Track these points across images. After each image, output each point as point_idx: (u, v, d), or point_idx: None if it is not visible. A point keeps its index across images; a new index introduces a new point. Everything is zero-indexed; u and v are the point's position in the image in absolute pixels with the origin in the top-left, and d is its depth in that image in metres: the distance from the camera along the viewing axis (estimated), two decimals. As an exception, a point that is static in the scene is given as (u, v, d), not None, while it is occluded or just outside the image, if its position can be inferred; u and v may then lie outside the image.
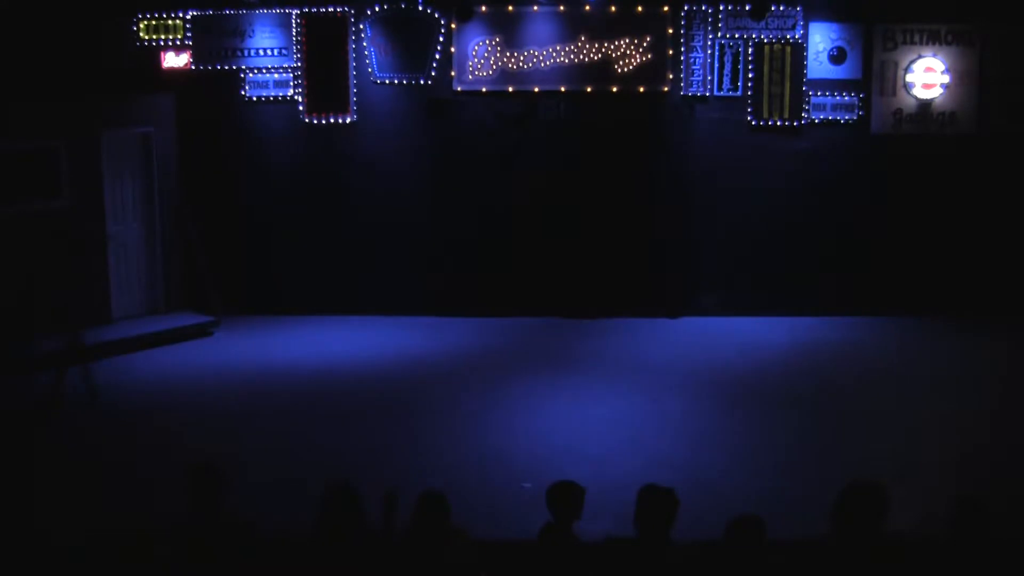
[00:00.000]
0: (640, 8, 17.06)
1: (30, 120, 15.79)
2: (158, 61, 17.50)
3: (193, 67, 17.47)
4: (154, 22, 17.42)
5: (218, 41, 17.42)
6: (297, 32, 17.36)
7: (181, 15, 17.40)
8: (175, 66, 17.47)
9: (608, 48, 17.14)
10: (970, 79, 17.12)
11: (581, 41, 17.14)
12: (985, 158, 17.03)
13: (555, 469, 11.17)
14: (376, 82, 17.43)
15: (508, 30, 17.20)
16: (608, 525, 7.11)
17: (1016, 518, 7.09)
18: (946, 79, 17.06)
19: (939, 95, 17.11)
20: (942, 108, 17.15)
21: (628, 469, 10.87)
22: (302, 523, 7.20)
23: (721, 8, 17.05)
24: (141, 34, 17.40)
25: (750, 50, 17.14)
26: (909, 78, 17.11)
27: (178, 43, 17.44)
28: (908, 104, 17.16)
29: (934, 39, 17.09)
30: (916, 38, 17.11)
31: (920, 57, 17.07)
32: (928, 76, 17.08)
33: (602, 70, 17.17)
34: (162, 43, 17.44)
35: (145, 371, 15.17)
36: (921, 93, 17.10)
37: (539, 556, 7.21)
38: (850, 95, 17.16)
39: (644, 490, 6.86)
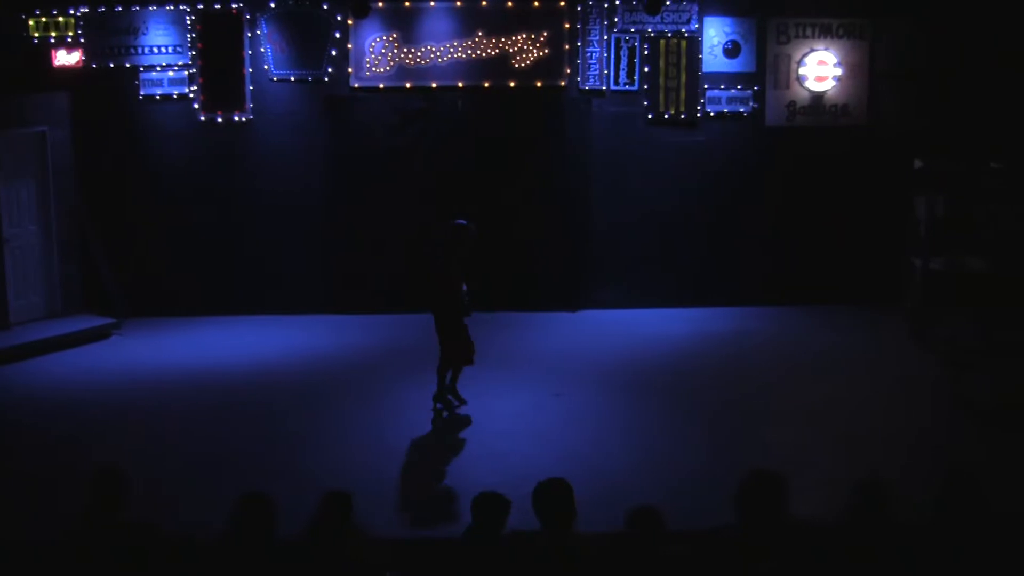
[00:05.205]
0: (536, 3, 17.09)
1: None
2: (50, 59, 17.22)
3: (86, 65, 17.22)
4: (44, 19, 17.09)
5: (110, 39, 17.16)
6: (191, 29, 17.18)
7: (72, 12, 17.10)
8: (67, 64, 17.17)
9: (505, 43, 17.17)
10: (861, 71, 17.41)
11: (478, 37, 17.15)
12: (876, 149, 17.32)
13: (458, 465, 11.41)
14: (273, 79, 17.31)
15: (405, 26, 17.16)
16: (512, 519, 7.19)
17: (914, 500, 7.28)
18: (838, 72, 17.34)
19: (831, 87, 17.39)
20: (834, 100, 17.44)
21: (532, 463, 10.91)
22: (206, 525, 7.30)
23: (617, 2, 17.15)
24: (31, 31, 17.10)
25: (646, 44, 17.28)
26: (802, 71, 17.36)
27: (69, 40, 17.16)
28: (801, 96, 17.42)
29: (826, 33, 17.35)
30: (808, 32, 17.35)
31: (812, 51, 17.32)
32: (820, 69, 17.34)
33: (500, 65, 17.20)
34: (53, 40, 17.15)
35: (45, 376, 15.00)
36: (814, 86, 17.37)
37: (447, 554, 7.32)
38: (744, 88, 17.38)
39: (541, 485, 6.97)
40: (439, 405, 13.06)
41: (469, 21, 17.15)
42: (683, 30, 17.24)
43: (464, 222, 12.78)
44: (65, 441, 12.33)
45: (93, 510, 7.14)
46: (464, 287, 12.84)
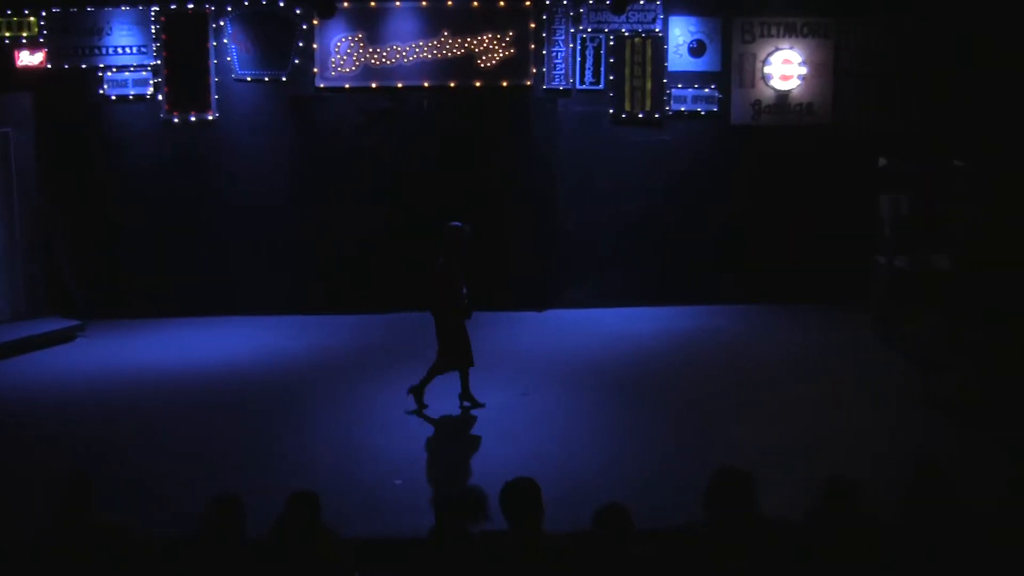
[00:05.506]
0: (502, 3, 17.12)
1: None
2: (13, 59, 17.11)
3: (49, 65, 17.11)
4: (6, 19, 17.01)
5: (74, 39, 17.10)
6: (156, 29, 17.09)
7: (35, 12, 17.01)
8: (30, 64, 17.10)
9: (471, 43, 17.18)
10: (825, 70, 17.57)
11: (444, 36, 17.16)
12: (840, 147, 17.40)
13: (427, 464, 11.36)
14: (238, 79, 17.26)
15: (370, 26, 17.15)
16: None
17: (883, 498, 7.30)
18: (803, 71, 17.49)
19: (796, 86, 17.53)
20: (799, 99, 17.57)
21: (499, 462, 10.89)
22: (175, 524, 7.30)
23: (582, 2, 17.18)
24: (-6, 32, 17.04)
25: (611, 43, 17.31)
26: (767, 70, 17.49)
27: (32, 41, 17.06)
28: (767, 95, 17.54)
29: (790, 32, 17.47)
30: (773, 31, 17.46)
31: (777, 50, 17.45)
32: (785, 68, 17.48)
33: (465, 65, 17.23)
34: (16, 41, 17.05)
35: (11, 378, 14.84)
36: (779, 84, 17.51)
37: (415, 553, 7.29)
38: (710, 87, 17.45)
39: (508, 485, 6.97)
40: (410, 396, 13.05)
41: (435, 21, 17.16)
42: (648, 29, 17.31)
43: (459, 224, 12.69)
44: (35, 442, 12.21)
45: (62, 512, 7.10)
46: (464, 289, 12.77)
